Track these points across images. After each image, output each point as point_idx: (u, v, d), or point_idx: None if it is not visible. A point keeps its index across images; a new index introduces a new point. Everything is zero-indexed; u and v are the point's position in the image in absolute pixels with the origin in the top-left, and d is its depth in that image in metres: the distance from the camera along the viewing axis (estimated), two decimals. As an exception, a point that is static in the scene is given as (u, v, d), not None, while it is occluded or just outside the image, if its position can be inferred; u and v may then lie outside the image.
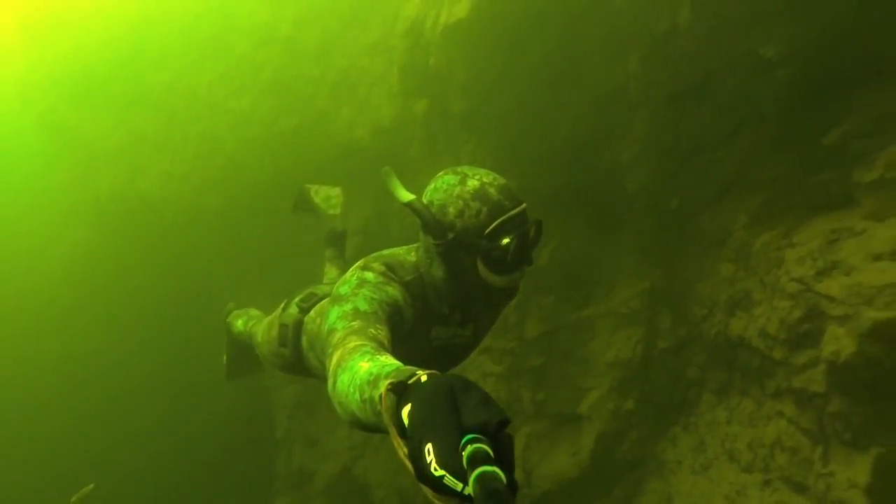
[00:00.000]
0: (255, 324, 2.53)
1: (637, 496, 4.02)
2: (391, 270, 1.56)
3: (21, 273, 8.71)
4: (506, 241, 1.45)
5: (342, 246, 2.77)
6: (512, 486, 0.62)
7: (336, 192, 2.83)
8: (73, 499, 3.36)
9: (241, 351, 2.91)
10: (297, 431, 6.03)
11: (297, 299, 2.12)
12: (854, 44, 2.37)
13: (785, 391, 2.87)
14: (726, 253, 3.31)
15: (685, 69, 3.01)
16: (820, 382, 2.58)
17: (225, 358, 3.06)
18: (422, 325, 1.62)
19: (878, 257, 2.33)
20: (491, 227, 1.45)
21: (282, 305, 2.20)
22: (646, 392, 4.09)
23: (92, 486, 3.55)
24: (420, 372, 0.81)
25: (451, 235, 1.49)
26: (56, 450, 7.82)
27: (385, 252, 1.67)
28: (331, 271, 2.64)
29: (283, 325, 2.11)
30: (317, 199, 2.78)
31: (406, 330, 1.53)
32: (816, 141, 2.65)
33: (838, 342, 2.44)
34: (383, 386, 0.82)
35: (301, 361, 1.97)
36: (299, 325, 1.98)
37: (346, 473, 5.58)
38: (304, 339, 1.89)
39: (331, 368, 1.15)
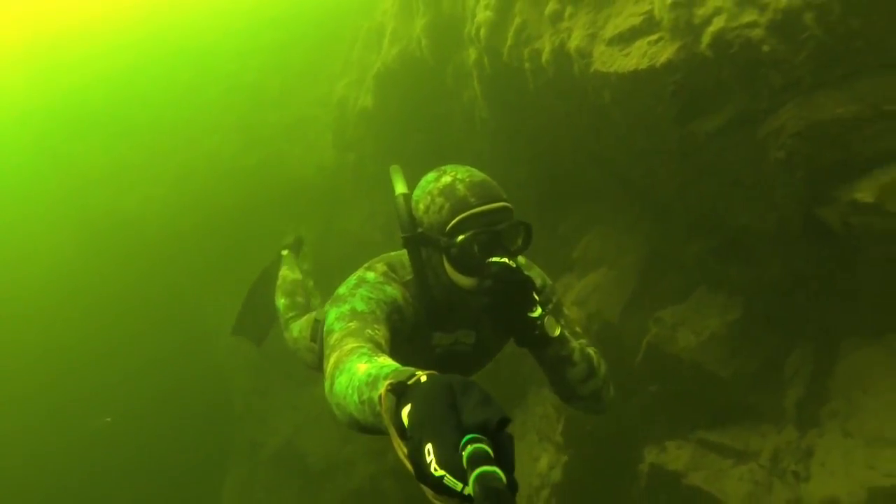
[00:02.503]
0: (295, 316, 2.75)
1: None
2: (392, 270, 1.60)
3: (11, 272, 10.32)
4: (461, 237, 1.43)
5: (299, 251, 3.33)
6: (512, 486, 0.64)
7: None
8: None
9: (258, 312, 3.25)
10: (251, 411, 7.85)
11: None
12: (563, 178, 4.22)
13: (547, 381, 4.75)
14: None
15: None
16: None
17: (240, 310, 3.42)
18: (422, 327, 1.63)
19: (574, 303, 4.19)
20: (451, 223, 1.45)
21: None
22: (496, 383, 5.94)
23: (109, 419, 5.29)
24: (419, 372, 0.83)
25: (419, 230, 1.52)
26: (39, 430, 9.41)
27: (392, 253, 1.72)
28: (292, 271, 3.10)
29: (316, 321, 2.15)
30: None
31: (408, 330, 1.55)
32: (557, 230, 4.53)
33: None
34: (383, 386, 0.85)
35: None
36: None
37: (288, 445, 7.40)
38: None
39: (328, 371, 1.18)
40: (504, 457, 0.66)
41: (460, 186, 1.48)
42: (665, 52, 2.29)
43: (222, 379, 8.23)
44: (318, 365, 2.16)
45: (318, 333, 2.07)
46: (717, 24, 2.03)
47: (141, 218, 8.75)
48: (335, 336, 1.30)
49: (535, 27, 3.21)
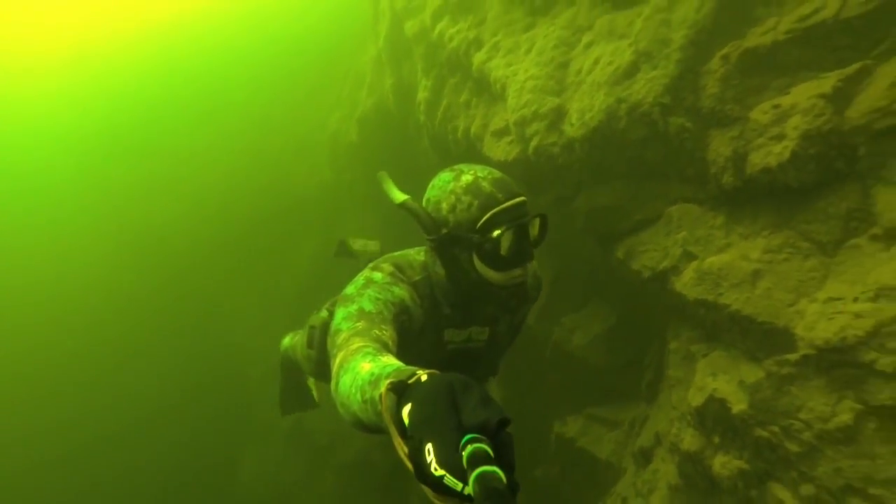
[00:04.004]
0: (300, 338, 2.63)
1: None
2: (399, 270, 1.64)
3: (53, 275, 11.79)
4: (496, 232, 1.48)
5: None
6: (512, 486, 0.65)
7: (374, 245, 3.06)
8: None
9: (293, 382, 3.08)
10: (265, 397, 9.18)
11: (327, 304, 2.24)
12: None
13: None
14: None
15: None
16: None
17: (279, 391, 3.26)
18: (433, 326, 1.67)
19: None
20: (483, 220, 1.50)
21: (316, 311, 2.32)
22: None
23: None
24: (420, 371, 0.86)
25: (444, 231, 1.55)
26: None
27: (396, 253, 1.75)
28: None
29: (311, 328, 2.20)
30: (355, 247, 3.03)
31: (416, 330, 1.60)
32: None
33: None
34: (383, 385, 0.87)
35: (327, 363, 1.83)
36: (326, 326, 2.03)
37: (297, 425, 8.70)
38: (328, 341, 1.73)
39: (333, 370, 1.24)
40: (504, 457, 0.67)
41: (485, 184, 1.54)
42: (514, 151, 3.43)
43: (239, 368, 9.57)
44: (315, 371, 2.26)
45: (313, 339, 2.17)
46: (536, 140, 3.17)
47: (167, 230, 10.10)
48: (342, 336, 1.34)
49: (455, 109, 4.36)
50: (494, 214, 1.50)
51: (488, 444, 0.67)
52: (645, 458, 3.63)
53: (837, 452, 1.97)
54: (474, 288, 1.60)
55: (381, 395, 0.87)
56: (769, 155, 2.31)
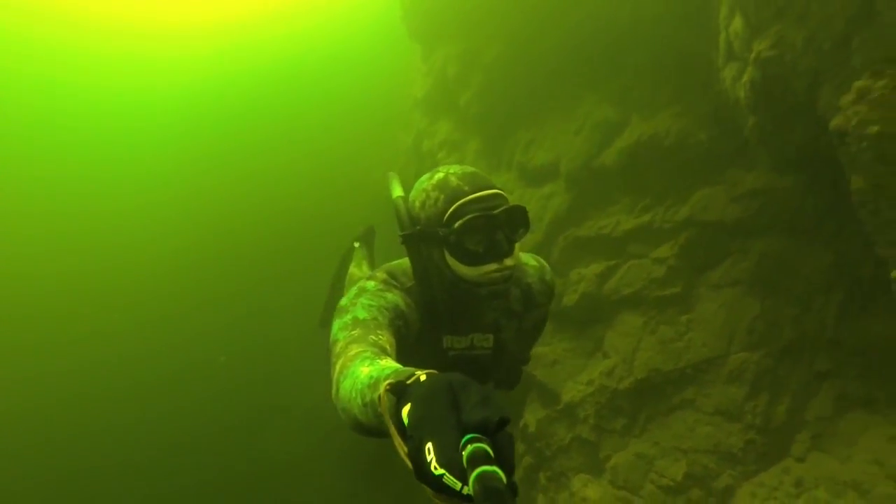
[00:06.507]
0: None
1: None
2: (393, 277, 1.66)
3: (140, 268, 14.31)
4: (458, 223, 1.49)
5: (371, 243, 3.42)
6: (512, 486, 0.66)
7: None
8: None
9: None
10: (292, 379, 11.43)
11: None
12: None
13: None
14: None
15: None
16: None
17: (325, 302, 3.42)
18: (430, 332, 1.69)
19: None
20: (448, 212, 1.51)
21: None
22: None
23: (223, 358, 8.83)
24: (419, 372, 0.86)
25: (418, 228, 1.59)
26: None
27: (392, 262, 1.78)
28: (360, 268, 3.12)
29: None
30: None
31: (414, 336, 1.62)
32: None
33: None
34: (382, 387, 0.88)
35: None
36: None
37: (315, 408, 10.86)
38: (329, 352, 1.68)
39: (334, 377, 1.25)
40: (504, 457, 0.68)
41: (453, 178, 1.58)
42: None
43: (273, 356, 11.82)
44: None
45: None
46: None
47: (229, 232, 12.52)
48: (340, 344, 1.36)
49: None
50: (459, 206, 1.52)
51: (488, 444, 0.68)
52: (523, 462, 5.58)
53: (562, 456, 3.95)
54: (452, 288, 1.62)
55: (380, 397, 0.89)
56: (570, 300, 4.30)
